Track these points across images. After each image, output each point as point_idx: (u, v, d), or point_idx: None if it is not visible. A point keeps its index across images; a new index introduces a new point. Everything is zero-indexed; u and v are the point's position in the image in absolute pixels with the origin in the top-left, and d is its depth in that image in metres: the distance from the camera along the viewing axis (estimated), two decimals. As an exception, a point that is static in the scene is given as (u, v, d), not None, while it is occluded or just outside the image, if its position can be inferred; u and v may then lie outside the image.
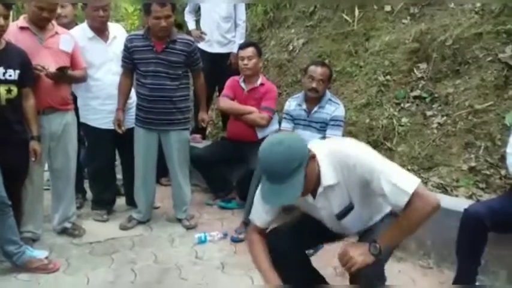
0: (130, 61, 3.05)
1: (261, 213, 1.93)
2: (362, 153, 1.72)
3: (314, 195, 1.80)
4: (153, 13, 2.89)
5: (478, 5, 3.46)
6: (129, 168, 3.35)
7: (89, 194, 3.61)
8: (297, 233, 2.02)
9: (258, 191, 1.89)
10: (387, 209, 1.92)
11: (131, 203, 3.47)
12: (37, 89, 2.71)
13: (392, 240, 1.73)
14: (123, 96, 3.13)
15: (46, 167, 3.04)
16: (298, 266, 2.04)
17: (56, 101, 2.83)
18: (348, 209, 1.82)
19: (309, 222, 2.02)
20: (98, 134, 3.26)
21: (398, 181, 1.63)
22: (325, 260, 2.43)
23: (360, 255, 1.68)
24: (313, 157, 1.68)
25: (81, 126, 3.26)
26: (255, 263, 1.94)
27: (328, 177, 1.74)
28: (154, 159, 3.24)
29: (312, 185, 1.73)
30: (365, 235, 1.93)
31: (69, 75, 2.84)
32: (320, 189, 1.77)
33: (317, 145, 1.79)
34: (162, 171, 3.53)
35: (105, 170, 3.40)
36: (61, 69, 2.74)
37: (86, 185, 3.67)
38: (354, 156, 1.71)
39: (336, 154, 1.74)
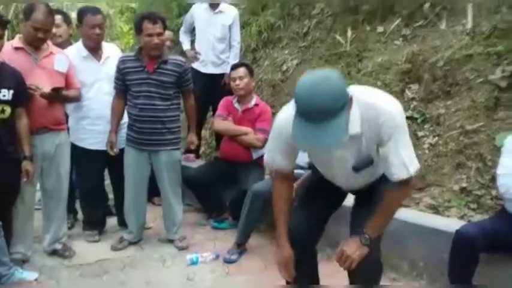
0: (123, 82, 3.06)
1: (278, 158, 1.90)
2: (394, 114, 1.66)
3: None
4: (144, 31, 2.92)
5: (469, 26, 3.51)
6: (119, 189, 3.34)
7: (80, 214, 3.59)
8: (309, 221, 2.03)
9: (276, 132, 1.85)
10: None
11: (123, 223, 3.44)
12: (31, 108, 2.72)
13: (379, 227, 1.83)
14: (116, 117, 3.14)
15: (38, 186, 3.02)
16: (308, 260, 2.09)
17: (49, 121, 2.83)
18: (368, 162, 1.79)
19: (318, 197, 2.07)
20: (87, 155, 3.23)
21: (408, 157, 1.69)
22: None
23: (355, 251, 1.78)
24: (351, 100, 1.58)
25: (71, 146, 3.25)
26: (275, 219, 1.98)
27: (355, 125, 1.65)
28: (145, 179, 3.23)
29: None
30: (355, 224, 1.95)
31: (63, 95, 2.85)
32: None
33: (352, 89, 1.65)
34: (155, 190, 3.51)
35: (96, 191, 3.38)
36: (55, 90, 2.75)
37: (78, 205, 3.64)
38: (386, 113, 1.64)
39: (370, 106, 1.65)
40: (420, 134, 3.38)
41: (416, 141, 3.37)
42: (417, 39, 3.82)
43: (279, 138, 1.84)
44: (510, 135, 2.41)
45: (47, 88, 2.72)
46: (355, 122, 1.66)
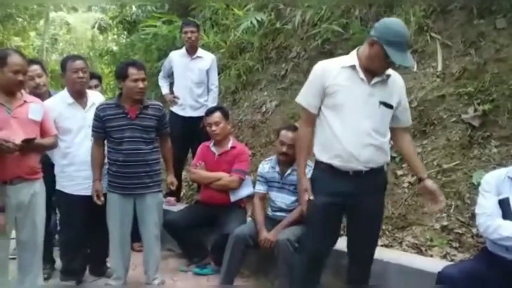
0: (103, 130, 3.06)
1: (310, 98, 2.41)
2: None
3: (370, 81, 2.31)
4: (130, 76, 2.99)
5: (439, 69, 3.65)
6: (97, 237, 3.26)
7: (58, 264, 3.46)
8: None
9: (315, 76, 2.42)
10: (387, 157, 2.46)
11: (96, 272, 3.35)
12: (4, 159, 2.65)
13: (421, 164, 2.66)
14: (98, 166, 3.12)
15: (14, 234, 2.91)
16: None
17: (24, 171, 2.76)
18: (389, 105, 2.32)
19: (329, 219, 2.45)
20: (72, 201, 3.18)
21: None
22: None
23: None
24: None
25: (56, 193, 3.21)
26: (301, 156, 2.52)
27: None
28: (130, 224, 3.17)
29: None
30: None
31: (37, 144, 2.79)
32: (381, 77, 2.31)
33: None
34: (135, 236, 3.43)
35: (78, 238, 3.30)
36: (26, 141, 2.68)
37: (55, 253, 3.52)
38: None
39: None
40: (399, 172, 3.43)
41: (395, 180, 3.42)
42: (391, 81, 3.94)
43: (318, 80, 2.38)
44: (486, 174, 2.46)
45: (19, 139, 2.66)
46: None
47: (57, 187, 3.19)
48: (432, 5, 3.91)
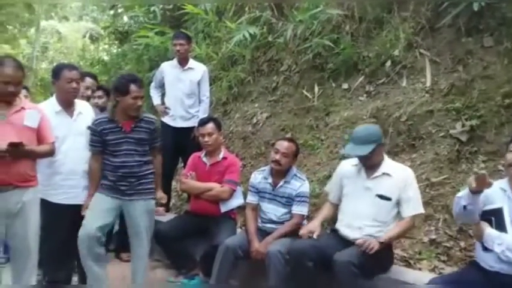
0: (101, 144, 3.07)
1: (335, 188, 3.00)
2: (415, 181, 2.77)
3: (369, 176, 2.75)
4: (131, 93, 3.01)
5: (428, 84, 3.72)
6: None
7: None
8: None
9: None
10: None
11: (83, 281, 3.28)
12: (-8, 164, 2.61)
13: (391, 238, 2.69)
14: (95, 181, 3.12)
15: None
16: None
17: (13, 177, 2.72)
18: (387, 197, 2.68)
19: None
20: (58, 210, 3.13)
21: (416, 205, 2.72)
22: None
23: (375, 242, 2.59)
24: (382, 145, 2.78)
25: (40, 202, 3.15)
26: None
27: (387, 168, 2.74)
28: (109, 224, 3.13)
29: (373, 163, 2.73)
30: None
31: (28, 150, 2.76)
32: (377, 173, 2.73)
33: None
34: (122, 245, 3.39)
35: (63, 248, 3.24)
36: (13, 145, 2.65)
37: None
38: (412, 177, 2.74)
39: (404, 168, 2.83)
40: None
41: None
42: (380, 96, 4.00)
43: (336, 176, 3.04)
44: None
45: (6, 143, 2.62)
46: (388, 167, 2.75)
47: (41, 196, 3.06)
48: (421, 22, 4.00)
